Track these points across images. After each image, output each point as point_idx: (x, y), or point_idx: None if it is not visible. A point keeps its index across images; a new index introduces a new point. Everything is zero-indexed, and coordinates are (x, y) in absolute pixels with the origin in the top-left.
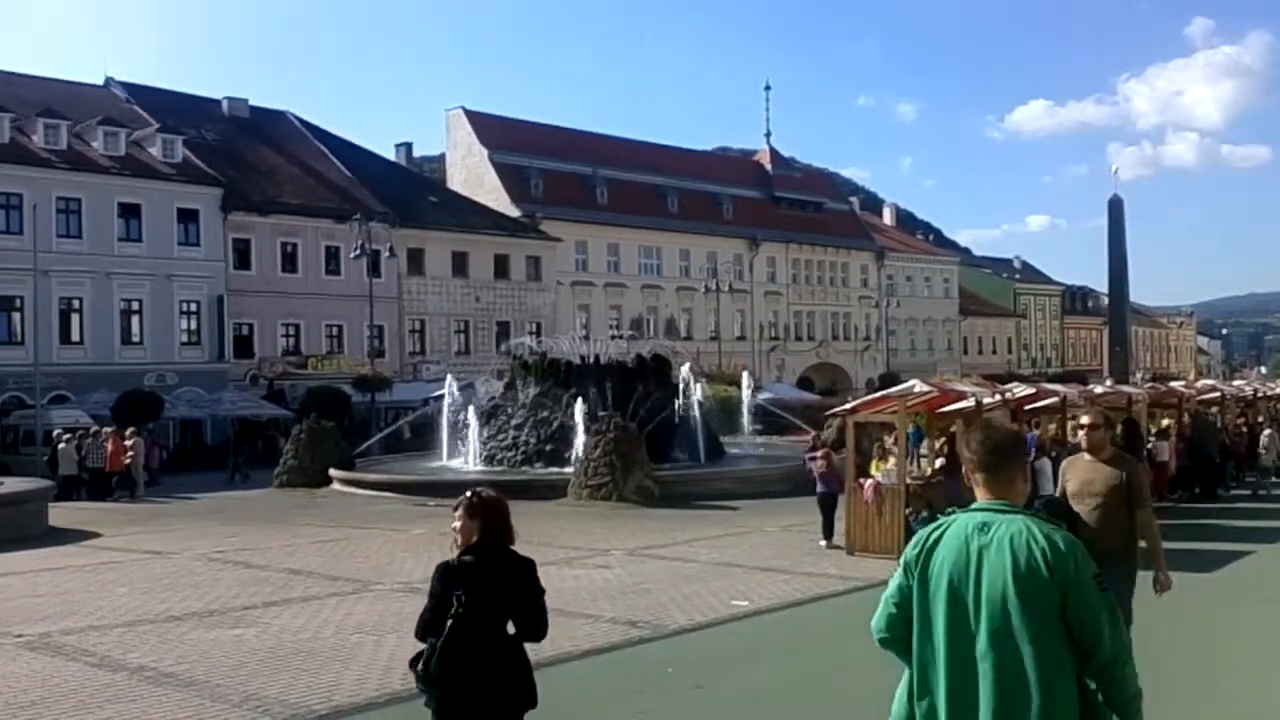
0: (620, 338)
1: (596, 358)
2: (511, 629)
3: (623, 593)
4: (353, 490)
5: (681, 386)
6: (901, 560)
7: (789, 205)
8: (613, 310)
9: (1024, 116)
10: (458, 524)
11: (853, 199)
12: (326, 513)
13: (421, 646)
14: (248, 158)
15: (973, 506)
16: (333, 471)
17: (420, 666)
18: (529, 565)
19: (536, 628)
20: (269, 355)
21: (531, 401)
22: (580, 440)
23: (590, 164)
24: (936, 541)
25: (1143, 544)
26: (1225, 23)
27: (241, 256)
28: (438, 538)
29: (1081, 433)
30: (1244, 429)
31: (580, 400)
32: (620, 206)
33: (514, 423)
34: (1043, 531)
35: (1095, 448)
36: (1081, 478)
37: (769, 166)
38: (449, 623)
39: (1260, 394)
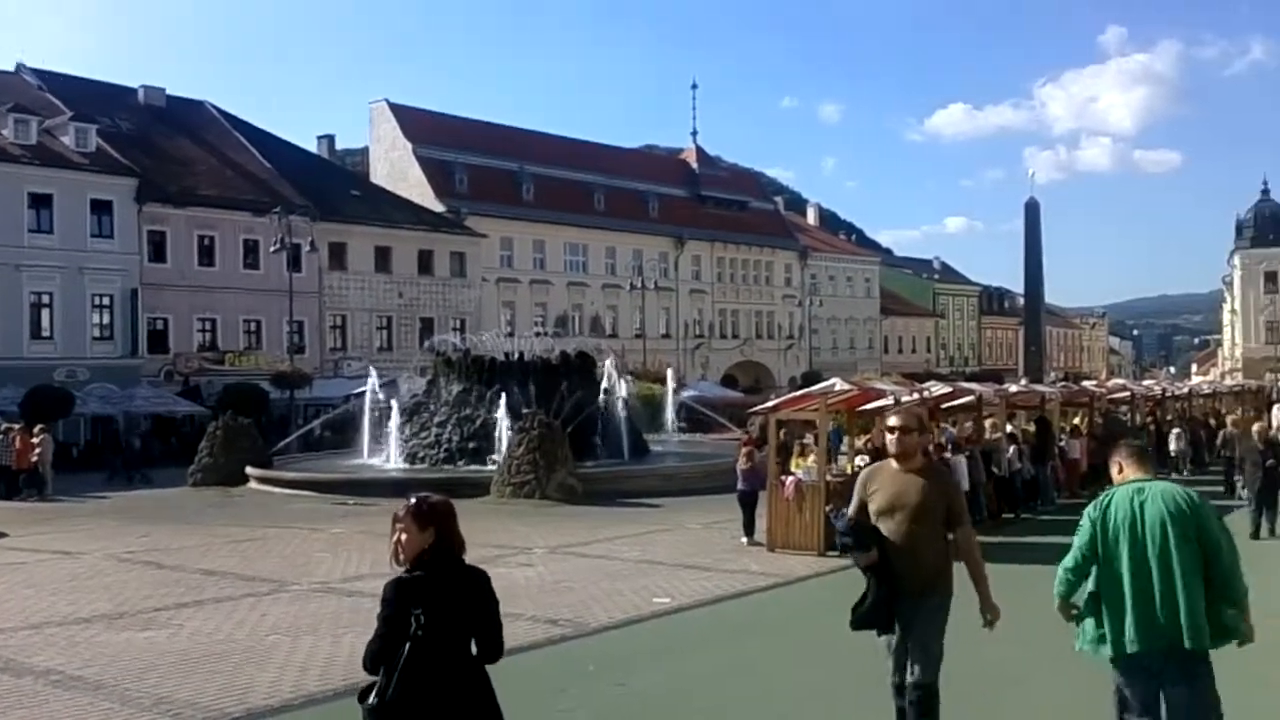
0: (545, 335)
1: (521, 355)
2: (473, 650)
3: (544, 591)
4: (270, 489)
5: (606, 384)
6: (1086, 517)
7: (714, 204)
8: (538, 307)
9: (943, 120)
10: (404, 535)
11: (777, 199)
12: (242, 512)
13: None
14: (164, 148)
15: (1129, 479)
16: (249, 469)
17: (374, 699)
18: (485, 578)
19: (496, 647)
20: (184, 351)
21: (455, 399)
22: (504, 438)
23: (516, 160)
24: (1110, 503)
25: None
26: (1137, 31)
27: (156, 249)
28: (357, 537)
29: (889, 437)
30: (1153, 427)
31: (504, 397)
32: (546, 203)
33: (436, 420)
34: (1179, 488)
35: (905, 455)
36: (889, 491)
37: (695, 165)
38: (407, 646)
39: (1169, 393)
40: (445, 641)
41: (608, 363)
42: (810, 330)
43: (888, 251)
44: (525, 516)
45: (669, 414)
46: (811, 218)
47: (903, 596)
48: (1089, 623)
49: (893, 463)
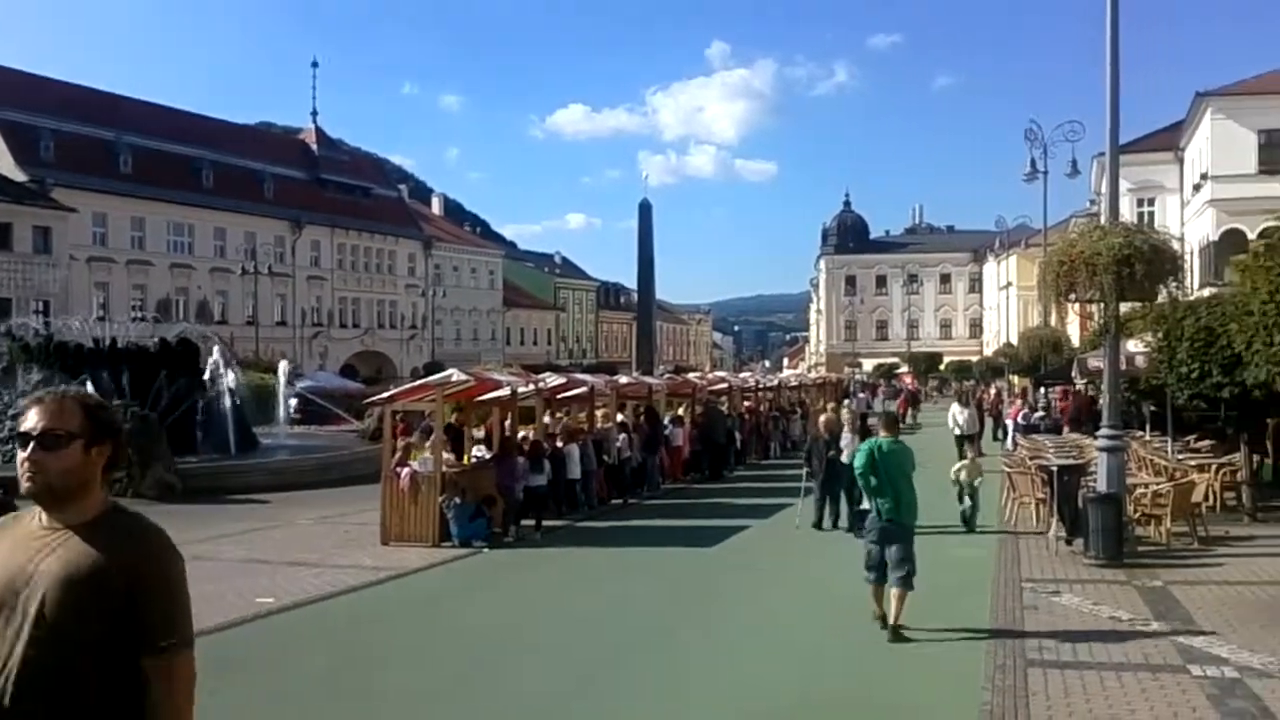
0: (144, 320)
1: (113, 341)
2: None
3: None
4: None
5: (211, 374)
6: (865, 450)
7: (335, 188)
8: (136, 290)
9: (565, 119)
10: None
11: (401, 186)
12: None
13: None
14: None
15: (886, 436)
16: None
17: None
18: None
19: None
20: None
21: (34, 389)
22: None
23: (113, 128)
24: (879, 444)
25: None
26: (740, 49)
27: None
28: None
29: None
30: (747, 416)
31: (92, 387)
32: (147, 177)
33: (11, 412)
34: (901, 443)
35: (54, 495)
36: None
37: (315, 147)
38: None
39: (761, 385)
40: None
41: (214, 351)
42: (434, 321)
43: (512, 245)
44: None
45: (282, 406)
46: (436, 207)
47: None
48: (879, 507)
49: (39, 515)
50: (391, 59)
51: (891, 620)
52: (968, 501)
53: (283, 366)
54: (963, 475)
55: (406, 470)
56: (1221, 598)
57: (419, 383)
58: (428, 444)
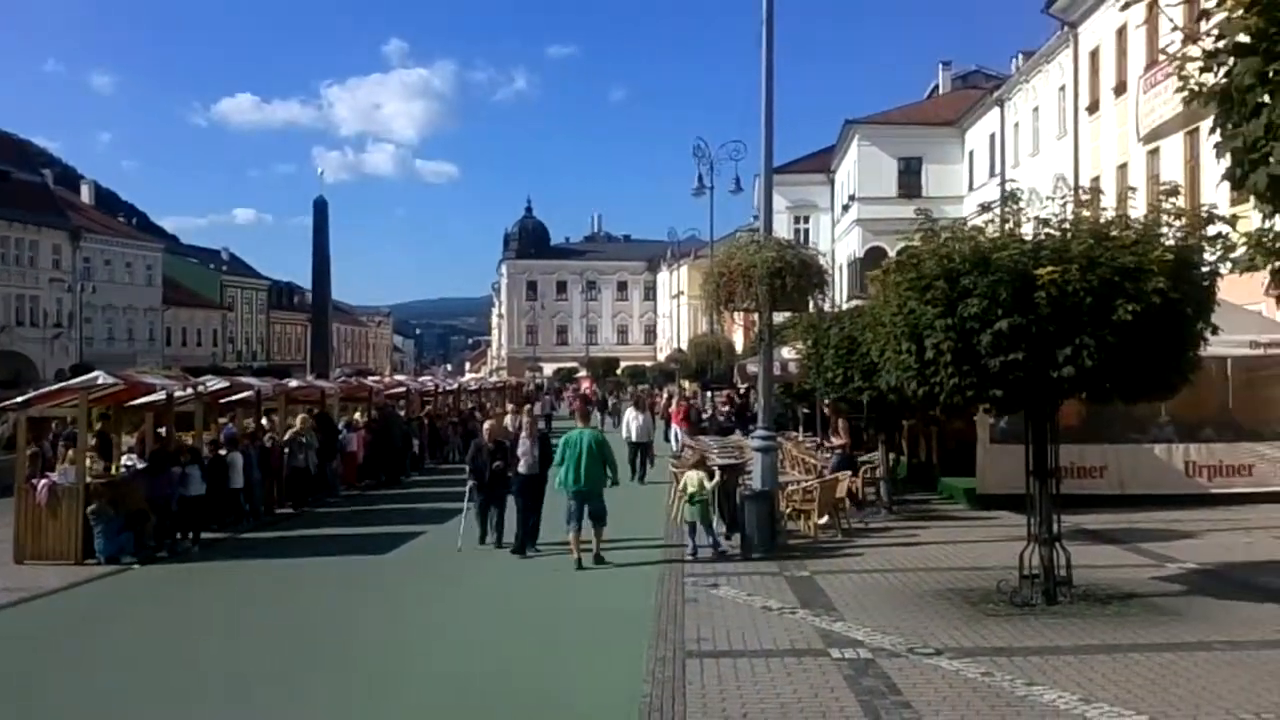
0: None
1: None
2: None
3: None
4: None
5: None
6: (563, 440)
7: None
8: None
9: (231, 108)
10: None
11: (45, 171)
12: None
13: None
14: None
15: (581, 427)
16: None
17: None
18: None
19: None
20: None
21: None
22: None
23: None
24: (573, 434)
25: None
26: (418, 47)
27: None
28: None
29: None
30: (426, 420)
31: None
32: None
33: None
34: (596, 432)
35: None
36: None
37: None
38: None
39: (441, 389)
40: None
41: None
42: (83, 319)
43: (173, 239)
44: None
45: None
46: (86, 196)
47: None
48: (562, 478)
49: None
50: (32, 32)
51: (595, 550)
52: (707, 537)
53: None
54: (695, 484)
55: (44, 481)
56: (860, 585)
57: (60, 385)
58: (70, 453)
